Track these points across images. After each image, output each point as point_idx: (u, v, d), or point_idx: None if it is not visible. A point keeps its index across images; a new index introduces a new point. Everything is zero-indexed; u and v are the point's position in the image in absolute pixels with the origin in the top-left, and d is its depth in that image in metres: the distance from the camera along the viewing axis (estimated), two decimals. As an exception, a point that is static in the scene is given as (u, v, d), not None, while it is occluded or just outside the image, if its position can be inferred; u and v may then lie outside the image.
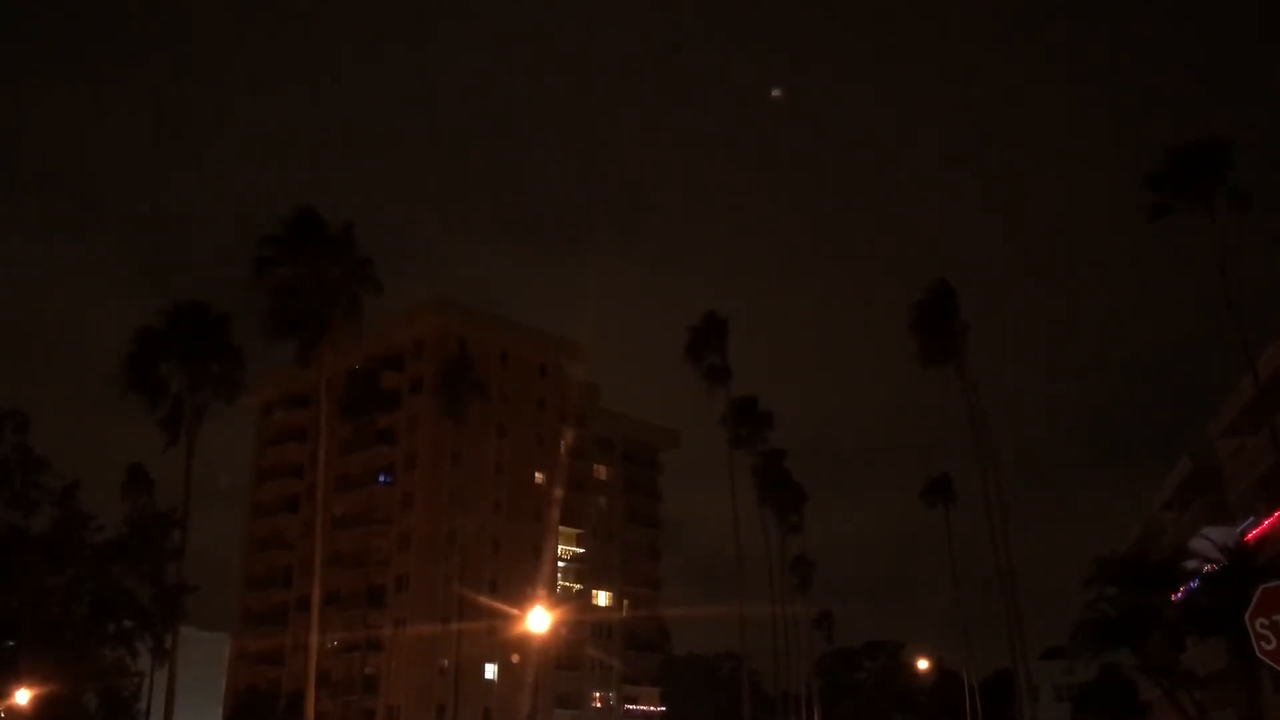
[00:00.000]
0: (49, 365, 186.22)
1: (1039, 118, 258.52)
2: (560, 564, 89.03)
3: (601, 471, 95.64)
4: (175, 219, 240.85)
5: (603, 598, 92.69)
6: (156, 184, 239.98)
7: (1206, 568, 34.32)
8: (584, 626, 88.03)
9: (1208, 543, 35.97)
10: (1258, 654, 9.28)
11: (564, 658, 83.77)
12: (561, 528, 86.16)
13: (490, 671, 77.73)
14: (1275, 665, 9.35)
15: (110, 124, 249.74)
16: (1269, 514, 40.75)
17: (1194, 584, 35.42)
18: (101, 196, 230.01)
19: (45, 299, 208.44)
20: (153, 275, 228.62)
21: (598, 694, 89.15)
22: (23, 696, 37.97)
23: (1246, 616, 9.28)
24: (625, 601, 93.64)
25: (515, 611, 60.81)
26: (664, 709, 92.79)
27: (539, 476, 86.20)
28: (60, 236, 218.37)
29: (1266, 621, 9.14)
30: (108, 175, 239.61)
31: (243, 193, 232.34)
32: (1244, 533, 41.72)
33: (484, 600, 70.57)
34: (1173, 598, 36.75)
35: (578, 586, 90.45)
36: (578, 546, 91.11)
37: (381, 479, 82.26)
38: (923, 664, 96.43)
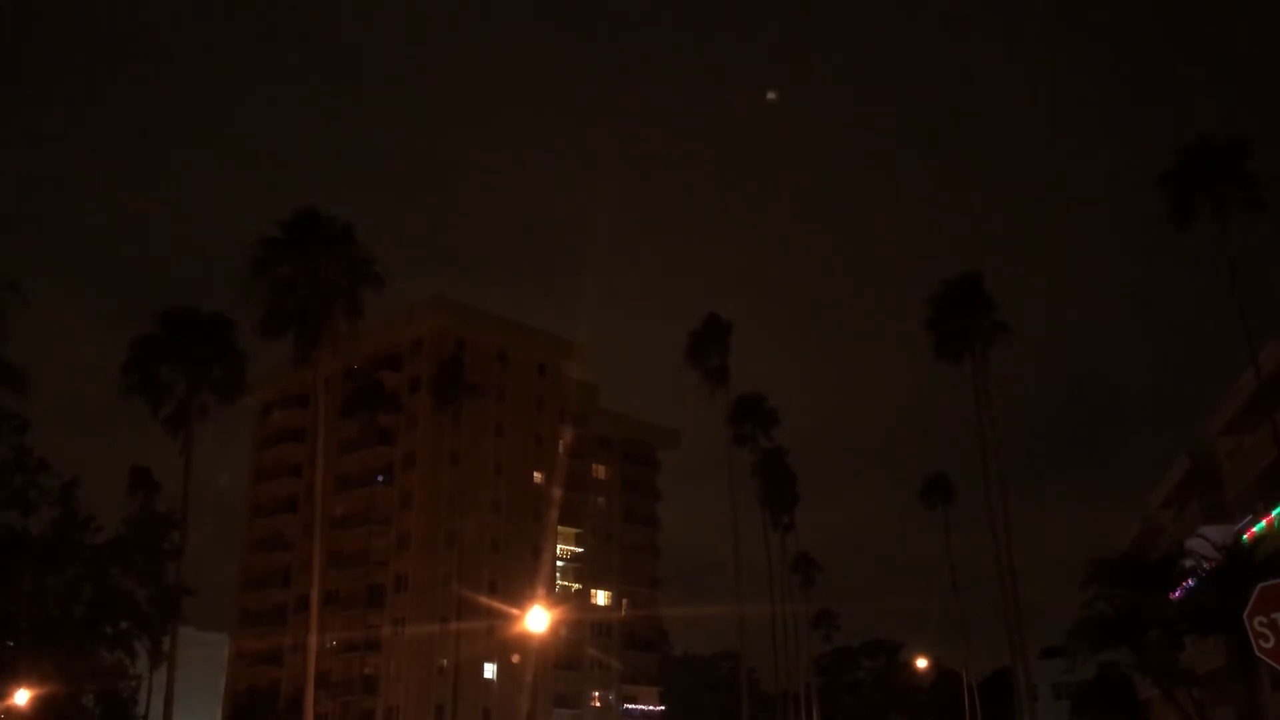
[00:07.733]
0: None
1: (1039, 117, 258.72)
2: (559, 563, 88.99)
3: (600, 471, 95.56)
4: (150, 257, 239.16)
5: (601, 597, 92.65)
6: (123, 221, 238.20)
7: (1205, 566, 34.32)
8: (583, 626, 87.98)
9: (1204, 541, 35.98)
10: (1256, 652, 9.28)
11: (563, 657, 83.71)
12: (560, 527, 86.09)
13: (489, 671, 77.68)
14: (1273, 663, 9.35)
15: (76, 165, 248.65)
16: (1267, 512, 40.76)
17: (1192, 583, 35.42)
18: (70, 236, 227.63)
19: (26, 336, 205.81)
20: (128, 313, 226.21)
21: (597, 694, 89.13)
22: (22, 697, 37.91)
23: (1245, 615, 9.27)
24: (624, 601, 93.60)
25: (514, 611, 60.69)
26: (663, 708, 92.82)
27: (538, 476, 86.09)
28: (29, 279, 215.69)
29: (1265, 619, 9.14)
30: (74, 215, 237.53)
31: (215, 224, 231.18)
32: (1242, 531, 41.72)
33: (483, 600, 70.50)
34: (1171, 597, 36.75)
35: (576, 586, 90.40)
36: (576, 546, 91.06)
37: (380, 479, 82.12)
38: (922, 663, 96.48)
